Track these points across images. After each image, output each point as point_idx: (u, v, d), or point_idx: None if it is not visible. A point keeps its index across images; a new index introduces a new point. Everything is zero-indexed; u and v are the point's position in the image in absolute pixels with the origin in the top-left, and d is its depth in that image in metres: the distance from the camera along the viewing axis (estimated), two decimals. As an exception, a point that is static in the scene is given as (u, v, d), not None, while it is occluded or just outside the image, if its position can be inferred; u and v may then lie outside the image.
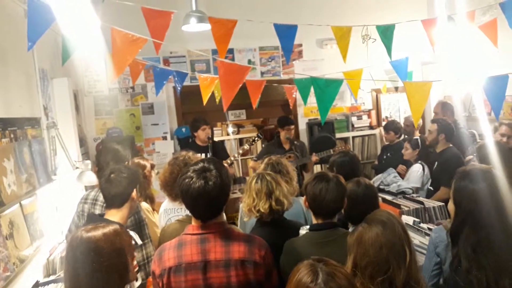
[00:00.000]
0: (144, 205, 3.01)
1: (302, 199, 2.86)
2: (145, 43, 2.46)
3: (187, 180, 1.79)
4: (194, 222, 1.86)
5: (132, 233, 2.28)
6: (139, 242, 2.34)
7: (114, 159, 3.03)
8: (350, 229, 2.29)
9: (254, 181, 2.40)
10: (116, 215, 2.27)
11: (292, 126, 4.99)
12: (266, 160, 2.97)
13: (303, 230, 2.25)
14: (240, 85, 2.67)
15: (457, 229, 1.96)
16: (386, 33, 3.43)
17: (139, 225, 2.53)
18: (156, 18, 2.66)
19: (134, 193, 2.34)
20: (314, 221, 2.17)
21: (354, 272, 1.65)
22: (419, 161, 4.44)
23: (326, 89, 2.71)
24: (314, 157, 4.90)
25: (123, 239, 1.73)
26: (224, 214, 1.92)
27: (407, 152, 4.64)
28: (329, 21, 3.48)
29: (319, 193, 2.08)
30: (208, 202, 1.79)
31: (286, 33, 3.11)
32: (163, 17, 2.67)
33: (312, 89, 3.11)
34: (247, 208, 2.36)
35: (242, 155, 4.90)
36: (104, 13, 2.52)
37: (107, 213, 2.30)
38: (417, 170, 4.37)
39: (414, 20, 3.47)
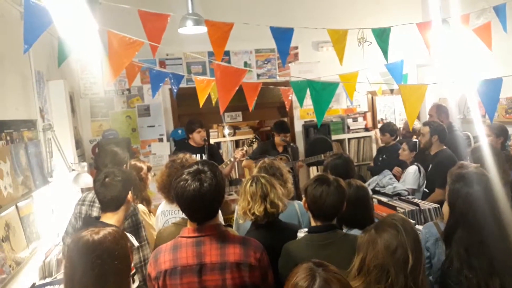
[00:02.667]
0: (141, 207, 3.01)
1: (296, 203, 2.88)
2: (141, 46, 2.46)
3: (182, 182, 1.79)
4: (189, 225, 1.86)
5: (128, 235, 2.28)
6: (136, 244, 2.35)
7: (112, 161, 3.03)
8: (345, 231, 2.31)
9: (248, 184, 2.41)
10: (112, 218, 2.27)
11: (288, 134, 5.01)
12: (260, 163, 2.99)
13: (301, 233, 2.25)
14: (237, 88, 2.67)
15: (450, 229, 1.99)
16: (382, 36, 3.45)
17: (136, 227, 2.53)
18: (153, 21, 2.67)
19: (129, 196, 2.35)
20: (313, 223, 2.17)
21: (359, 272, 1.66)
22: (415, 163, 4.46)
23: (322, 92, 2.73)
24: (299, 163, 4.95)
25: (128, 240, 1.76)
26: (220, 215, 1.93)
27: (404, 153, 4.66)
28: (325, 24, 3.50)
29: (320, 196, 2.09)
30: (203, 204, 1.79)
31: (282, 36, 3.12)
32: (159, 20, 2.68)
33: (308, 92, 3.13)
34: (242, 211, 2.36)
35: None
36: (101, 16, 2.53)
37: (103, 216, 2.30)
38: (413, 172, 4.39)
39: (409, 24, 3.49)
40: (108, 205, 2.30)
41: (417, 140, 4.78)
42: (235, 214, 2.76)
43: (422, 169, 4.36)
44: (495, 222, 1.83)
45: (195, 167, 1.84)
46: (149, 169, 3.34)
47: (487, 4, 3.98)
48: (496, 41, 3.85)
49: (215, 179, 1.80)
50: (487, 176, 1.97)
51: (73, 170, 3.53)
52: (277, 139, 4.97)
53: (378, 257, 1.63)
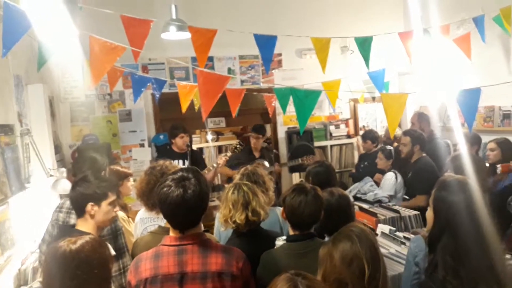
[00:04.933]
0: (120, 213, 2.96)
1: (279, 209, 2.88)
2: (123, 52, 2.43)
3: (165, 189, 1.78)
4: (171, 233, 1.84)
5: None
6: (113, 252, 2.30)
7: (91, 167, 2.97)
8: (326, 240, 2.31)
9: (230, 191, 2.40)
10: (85, 226, 2.23)
11: (260, 136, 5.03)
12: (242, 170, 2.98)
13: (280, 241, 2.25)
14: (220, 95, 2.66)
15: (435, 236, 1.99)
16: (364, 45, 3.49)
17: (116, 234, 2.49)
18: (135, 26, 2.64)
19: (88, 207, 2.28)
20: (291, 232, 2.17)
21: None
22: (393, 170, 4.51)
23: (305, 100, 2.73)
24: (276, 167, 4.98)
25: (107, 249, 1.73)
26: (201, 224, 1.91)
27: (381, 161, 4.72)
28: (309, 32, 3.52)
29: (298, 206, 2.09)
30: (186, 211, 1.78)
31: (266, 43, 3.13)
32: (142, 26, 2.65)
33: (291, 98, 3.14)
34: (224, 219, 2.35)
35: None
36: (82, 20, 2.50)
37: (78, 224, 2.26)
38: (390, 178, 4.46)
39: (392, 33, 3.54)
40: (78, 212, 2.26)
41: (392, 148, 4.84)
42: (216, 221, 2.74)
43: (399, 176, 4.42)
44: (480, 230, 1.85)
45: (179, 173, 1.83)
46: (129, 175, 3.29)
47: (467, 15, 4.07)
48: (475, 51, 3.94)
49: (199, 186, 1.78)
50: (471, 184, 1.99)
51: (51, 175, 3.46)
52: (252, 142, 4.99)
53: (335, 270, 1.61)
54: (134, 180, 3.42)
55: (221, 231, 2.58)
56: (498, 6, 3.99)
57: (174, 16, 3.32)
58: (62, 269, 1.58)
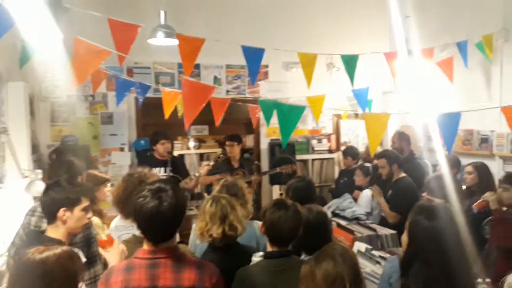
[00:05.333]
0: (95, 220, 2.89)
1: (256, 223, 2.86)
2: (108, 55, 2.40)
3: (140, 199, 1.75)
4: (145, 245, 1.80)
5: (76, 249, 2.18)
6: (84, 259, 2.23)
7: (67, 172, 2.90)
8: (303, 257, 2.30)
9: (208, 204, 2.37)
10: (55, 232, 2.15)
11: (235, 143, 5.03)
12: (222, 181, 2.96)
13: (256, 257, 2.23)
14: (204, 105, 2.65)
15: (408, 260, 2.01)
16: (350, 62, 3.54)
17: (88, 242, 2.43)
18: (123, 30, 2.61)
19: (60, 212, 2.21)
20: (269, 249, 2.16)
21: None
22: (370, 187, 4.55)
23: (289, 115, 2.75)
24: (254, 177, 4.97)
25: (76, 262, 1.68)
26: (177, 237, 1.88)
27: (358, 178, 4.77)
28: (296, 46, 3.54)
29: (278, 220, 2.09)
30: (161, 223, 1.74)
31: (253, 55, 3.13)
32: (129, 30, 2.62)
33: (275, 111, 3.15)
34: (200, 231, 2.32)
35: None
36: (68, 21, 2.46)
37: (48, 230, 2.18)
38: (366, 195, 4.51)
39: (377, 52, 3.59)
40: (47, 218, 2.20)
41: (370, 165, 4.89)
42: (192, 233, 2.70)
43: None
44: (453, 259, 1.86)
45: (157, 184, 1.79)
46: (106, 181, 3.23)
47: (451, 40, 4.16)
48: (458, 75, 4.02)
49: (176, 199, 1.75)
50: (449, 210, 2.01)
51: (26, 177, 3.37)
52: (228, 149, 5.01)
53: None
54: (112, 185, 3.36)
55: (196, 244, 2.55)
56: (481, 33, 4.10)
57: (162, 22, 3.31)
58: (24, 278, 1.53)
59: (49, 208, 2.16)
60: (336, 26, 5.83)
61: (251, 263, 2.23)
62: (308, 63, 3.34)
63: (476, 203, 3.43)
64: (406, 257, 2.00)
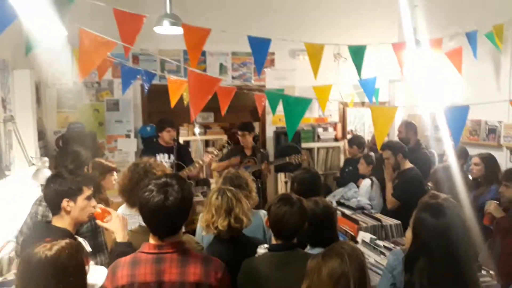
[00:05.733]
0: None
1: (263, 212, 2.88)
2: (114, 47, 2.38)
3: (146, 193, 1.75)
4: (151, 239, 1.81)
5: (81, 239, 2.21)
6: (89, 249, 2.25)
7: (73, 162, 2.92)
8: (308, 249, 2.31)
9: (214, 196, 2.38)
10: (61, 222, 2.17)
11: (246, 132, 5.01)
12: (225, 173, 2.96)
13: (261, 249, 2.25)
14: (210, 96, 2.63)
15: (412, 257, 2.00)
16: (358, 53, 3.50)
17: (96, 232, 2.46)
18: (128, 20, 2.59)
19: (64, 203, 2.22)
20: (274, 241, 2.17)
21: None
22: (371, 177, 4.55)
23: (295, 107, 2.72)
24: (264, 165, 4.97)
25: (81, 251, 1.70)
26: (182, 232, 1.89)
27: (362, 167, 4.76)
28: (303, 35, 3.51)
29: (282, 216, 2.10)
30: (166, 218, 1.75)
31: (260, 45, 3.10)
32: (135, 20, 2.60)
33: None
34: (205, 223, 2.33)
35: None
36: (74, 12, 2.43)
37: (54, 221, 2.19)
38: (365, 185, 4.50)
39: (385, 43, 3.54)
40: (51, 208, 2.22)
41: (373, 154, 4.87)
42: (198, 224, 2.72)
43: (376, 183, 4.45)
44: (457, 257, 1.86)
45: (163, 179, 1.79)
46: (113, 169, 3.24)
47: (460, 29, 4.09)
48: (466, 65, 3.96)
49: (182, 193, 1.75)
50: (455, 206, 2.00)
51: (33, 164, 3.40)
52: (240, 139, 4.98)
53: (321, 286, 1.62)
54: (119, 172, 3.37)
55: (203, 235, 2.56)
56: (491, 23, 4.02)
57: (168, 11, 3.27)
58: (37, 277, 1.53)
59: (52, 200, 2.17)
60: (343, 15, 5.76)
61: (256, 255, 2.25)
62: (315, 53, 3.31)
63: (484, 219, 3.38)
64: (410, 254, 2.00)
